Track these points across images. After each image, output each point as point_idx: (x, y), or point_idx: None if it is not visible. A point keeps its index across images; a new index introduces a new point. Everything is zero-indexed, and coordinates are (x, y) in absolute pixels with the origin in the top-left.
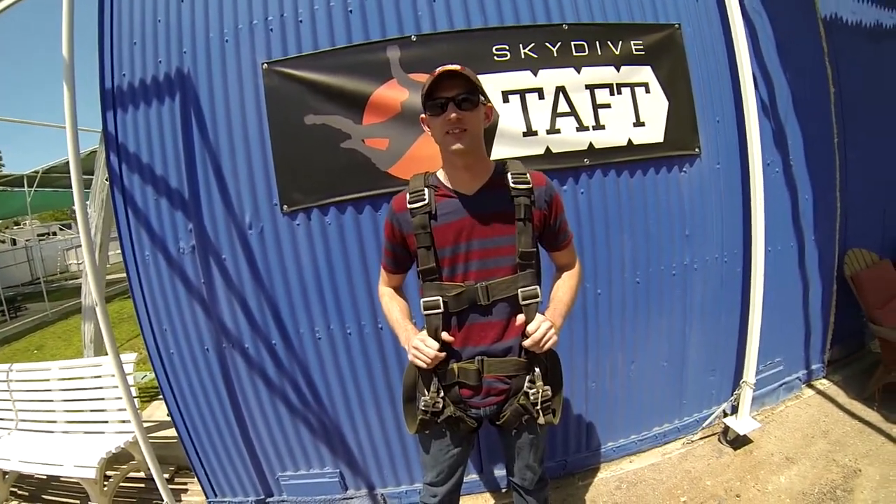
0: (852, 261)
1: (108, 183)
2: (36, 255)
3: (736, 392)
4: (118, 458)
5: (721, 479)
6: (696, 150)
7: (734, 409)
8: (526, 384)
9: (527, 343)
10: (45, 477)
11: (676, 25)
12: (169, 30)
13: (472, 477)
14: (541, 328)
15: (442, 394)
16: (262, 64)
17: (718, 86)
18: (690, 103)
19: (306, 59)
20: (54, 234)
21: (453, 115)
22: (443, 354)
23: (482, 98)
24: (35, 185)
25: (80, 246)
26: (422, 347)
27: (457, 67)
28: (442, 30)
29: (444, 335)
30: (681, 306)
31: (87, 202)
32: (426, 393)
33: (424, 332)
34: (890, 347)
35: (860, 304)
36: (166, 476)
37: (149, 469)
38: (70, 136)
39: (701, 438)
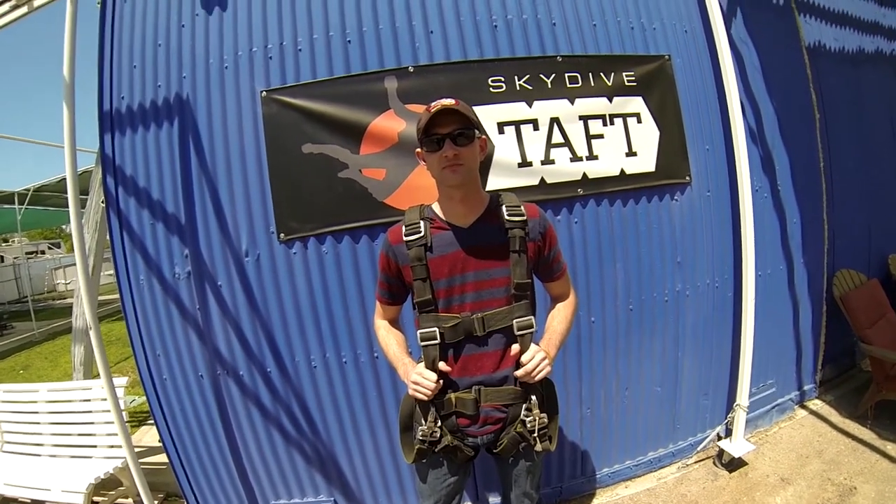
0: (841, 282)
1: (103, 205)
2: (24, 273)
3: (730, 415)
4: (105, 484)
5: (717, 503)
6: (687, 178)
7: (728, 432)
8: (522, 412)
9: (518, 373)
10: (29, 501)
11: (666, 56)
12: (169, 54)
13: None
14: (534, 359)
15: (439, 423)
16: (261, 91)
17: (707, 114)
18: (681, 132)
19: (304, 87)
20: (42, 252)
21: (450, 152)
22: (441, 384)
23: (477, 131)
24: (26, 202)
25: (69, 266)
26: (420, 380)
27: (452, 102)
28: (438, 61)
29: (441, 364)
30: (673, 332)
31: (82, 222)
32: (423, 422)
33: (422, 364)
34: (880, 366)
35: (850, 324)
36: (155, 503)
37: (138, 495)
38: (68, 156)
39: (696, 462)
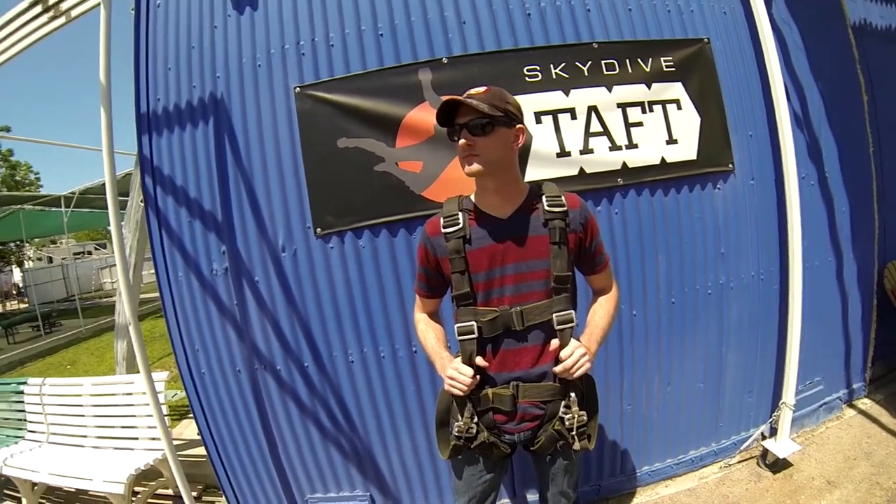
0: (893, 273)
1: (142, 204)
2: (71, 273)
3: (775, 414)
4: (147, 475)
5: None
6: (730, 165)
7: (773, 432)
8: (561, 409)
9: (557, 369)
10: (73, 490)
11: (705, 39)
12: (203, 55)
13: (504, 502)
14: (574, 355)
15: (476, 419)
16: (295, 88)
17: (749, 99)
18: (722, 118)
19: (338, 82)
20: (89, 253)
21: (462, 140)
22: (477, 379)
23: (505, 121)
24: (72, 205)
25: (114, 265)
26: (456, 376)
27: (479, 91)
28: (473, 51)
29: (479, 360)
30: (717, 326)
31: (122, 223)
32: (460, 418)
33: (459, 359)
34: None
35: None
36: (194, 494)
37: (177, 486)
38: (106, 158)
39: (739, 462)
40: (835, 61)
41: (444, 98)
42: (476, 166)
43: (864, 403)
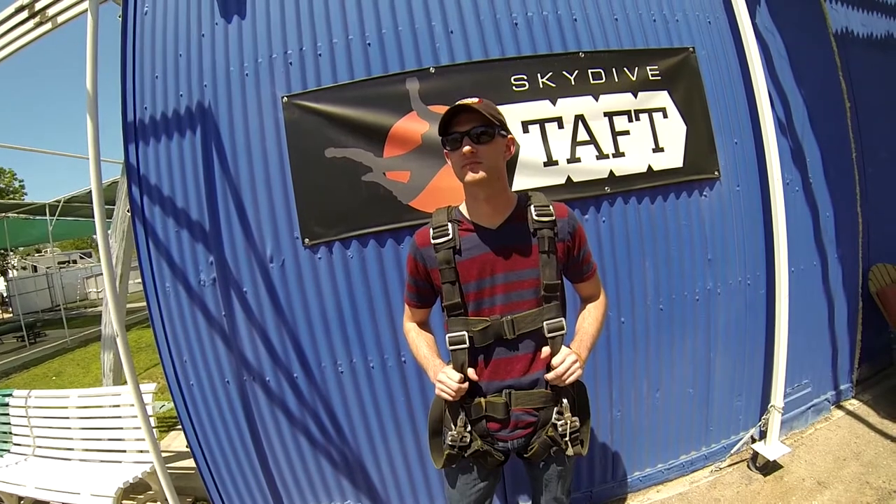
0: (877, 276)
1: (129, 214)
2: (56, 282)
3: (764, 416)
4: (135, 488)
5: None
6: (716, 173)
7: (762, 435)
8: (554, 416)
9: (549, 376)
10: None
11: (690, 49)
12: (190, 64)
13: None
14: (565, 362)
15: (469, 428)
16: (282, 97)
17: (735, 107)
18: (708, 126)
19: (326, 92)
20: (74, 262)
21: (466, 148)
22: (466, 385)
23: (502, 130)
24: (57, 213)
25: (100, 275)
26: (446, 380)
27: (474, 101)
28: (460, 61)
29: (470, 372)
30: (705, 332)
31: (109, 232)
32: (453, 427)
33: (450, 365)
34: None
35: (887, 319)
36: None
37: (166, 500)
38: (93, 167)
39: (729, 465)
40: (818, 68)
41: (464, 101)
42: (482, 173)
43: (852, 404)
